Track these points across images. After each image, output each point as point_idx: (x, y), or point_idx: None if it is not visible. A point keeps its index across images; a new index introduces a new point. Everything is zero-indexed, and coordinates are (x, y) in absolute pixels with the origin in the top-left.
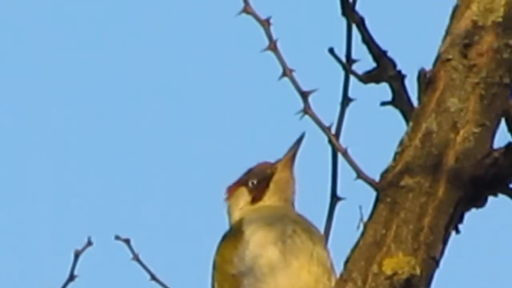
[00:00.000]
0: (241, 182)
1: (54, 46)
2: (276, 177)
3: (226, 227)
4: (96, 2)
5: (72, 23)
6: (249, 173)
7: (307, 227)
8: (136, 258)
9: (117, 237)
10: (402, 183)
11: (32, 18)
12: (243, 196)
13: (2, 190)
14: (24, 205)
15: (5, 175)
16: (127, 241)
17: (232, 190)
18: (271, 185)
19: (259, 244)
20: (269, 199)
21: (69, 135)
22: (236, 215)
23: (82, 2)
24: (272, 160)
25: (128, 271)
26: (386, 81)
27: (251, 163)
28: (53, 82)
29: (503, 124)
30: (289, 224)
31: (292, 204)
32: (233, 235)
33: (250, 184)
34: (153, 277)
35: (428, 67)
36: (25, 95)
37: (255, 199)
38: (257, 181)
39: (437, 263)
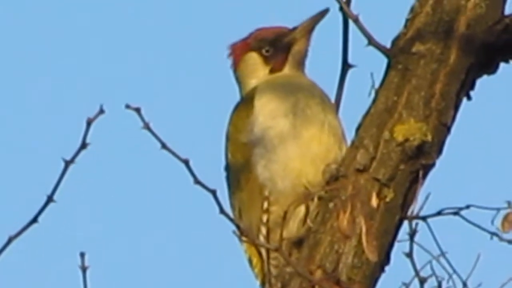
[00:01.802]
0: (251, 47)
1: None
2: (295, 49)
3: (237, 95)
4: None
5: None
6: (260, 38)
7: (320, 97)
8: (146, 126)
9: (127, 106)
10: (414, 49)
11: None
12: (257, 64)
13: (19, 59)
14: (37, 72)
15: (21, 45)
16: (137, 110)
17: (238, 53)
18: (290, 58)
19: (270, 116)
20: (288, 70)
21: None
22: (249, 84)
23: None
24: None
25: (139, 139)
26: None
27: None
28: None
29: None
30: (302, 95)
31: (303, 71)
32: (246, 104)
33: (264, 52)
34: (164, 146)
35: None
36: None
37: (273, 70)
38: (274, 50)
39: (448, 130)
